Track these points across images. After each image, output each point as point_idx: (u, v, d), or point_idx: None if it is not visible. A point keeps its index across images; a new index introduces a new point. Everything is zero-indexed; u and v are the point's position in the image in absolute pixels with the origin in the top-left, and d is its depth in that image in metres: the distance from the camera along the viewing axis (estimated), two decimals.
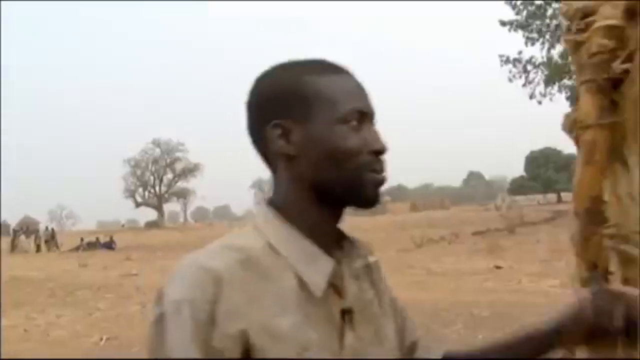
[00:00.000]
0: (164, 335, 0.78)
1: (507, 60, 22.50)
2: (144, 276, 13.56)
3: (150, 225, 60.28)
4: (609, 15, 1.06)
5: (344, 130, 0.88)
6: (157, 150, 62.64)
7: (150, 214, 64.45)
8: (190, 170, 62.77)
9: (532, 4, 21.06)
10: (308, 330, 0.81)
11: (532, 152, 59.53)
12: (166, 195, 63.68)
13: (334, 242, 0.91)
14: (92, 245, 30.92)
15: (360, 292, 0.90)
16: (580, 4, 1.12)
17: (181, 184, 64.36)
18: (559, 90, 22.20)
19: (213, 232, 37.03)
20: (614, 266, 1.09)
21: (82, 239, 31.83)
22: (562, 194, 51.36)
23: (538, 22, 21.16)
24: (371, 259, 0.94)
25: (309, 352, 0.81)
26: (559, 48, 20.64)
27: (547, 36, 21.23)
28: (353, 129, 0.88)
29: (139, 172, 62.27)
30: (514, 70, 22.59)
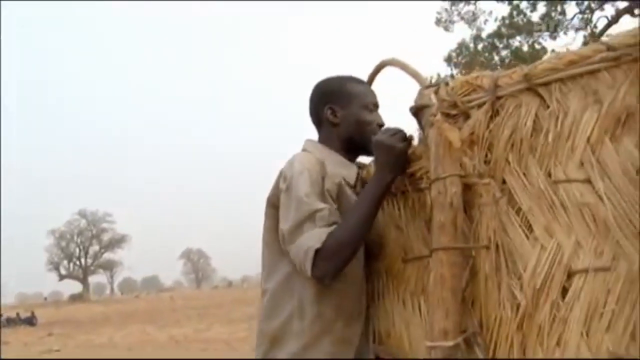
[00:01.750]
0: (296, 187, 1.54)
1: None
2: (66, 352, 14.01)
3: (75, 298, 58.64)
4: None
5: (366, 112, 1.76)
6: (83, 221, 61.92)
7: (75, 286, 62.80)
8: (117, 242, 62.06)
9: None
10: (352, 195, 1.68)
11: None
12: (92, 267, 62.42)
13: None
14: (12, 321, 30.50)
15: None
16: None
17: (108, 255, 63.38)
18: None
19: (138, 306, 37.11)
20: None
21: (0, 315, 31.34)
22: None
23: None
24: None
25: None
26: None
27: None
28: (370, 112, 1.77)
29: (63, 244, 61.03)
30: None
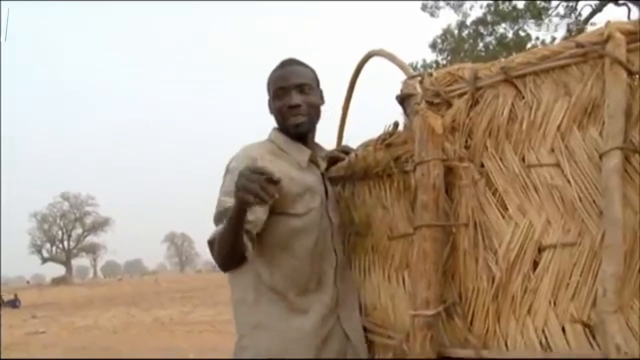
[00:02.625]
0: (222, 183, 1.72)
1: None
2: (51, 334, 14.08)
3: (58, 281, 58.39)
4: None
5: (275, 100, 1.82)
6: (66, 204, 61.50)
7: (58, 270, 62.55)
8: (101, 225, 61.76)
9: (430, 67, 23.64)
10: (306, 178, 1.78)
11: None
12: (75, 251, 62.15)
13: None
14: None
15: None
16: None
17: (91, 238, 63.09)
18: None
19: (121, 289, 37.11)
20: None
21: None
22: None
23: None
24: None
25: (310, 189, 1.77)
26: None
27: None
28: (278, 97, 1.81)
29: (46, 227, 60.63)
30: None
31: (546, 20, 20.01)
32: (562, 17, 19.68)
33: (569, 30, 19.58)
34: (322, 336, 1.77)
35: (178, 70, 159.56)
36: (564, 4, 19.68)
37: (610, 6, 19.06)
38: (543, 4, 19.90)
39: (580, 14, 19.63)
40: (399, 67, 1.87)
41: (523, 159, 1.50)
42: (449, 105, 1.64)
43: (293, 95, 1.79)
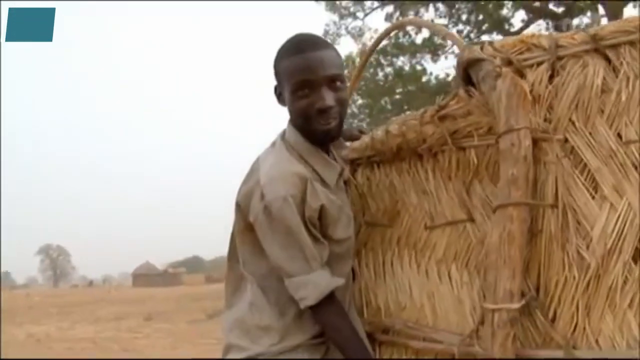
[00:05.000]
0: (279, 214, 1.34)
1: None
2: None
3: None
4: None
5: (295, 98, 1.40)
6: None
7: None
8: None
9: None
10: (338, 197, 1.49)
11: None
12: None
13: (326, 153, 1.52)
14: None
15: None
16: None
17: None
18: None
19: None
20: None
21: None
22: None
23: None
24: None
25: (344, 211, 1.49)
26: None
27: None
28: (302, 95, 1.39)
29: None
30: None
31: (442, 57, 21.07)
32: (457, 55, 20.77)
33: None
34: None
35: None
36: None
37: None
38: (440, 41, 20.93)
39: None
40: (444, 35, 1.68)
41: (619, 136, 1.34)
42: (521, 75, 1.46)
43: (324, 94, 1.40)
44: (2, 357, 9.25)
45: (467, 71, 1.52)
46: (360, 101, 21.73)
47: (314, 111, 1.41)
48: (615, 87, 1.36)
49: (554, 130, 1.39)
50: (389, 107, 21.15)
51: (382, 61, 20.79)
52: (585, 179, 1.35)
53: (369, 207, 1.78)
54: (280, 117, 1.62)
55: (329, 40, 2.32)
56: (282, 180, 1.38)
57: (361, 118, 22.03)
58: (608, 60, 1.39)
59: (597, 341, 1.28)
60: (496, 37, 19.75)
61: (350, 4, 19.52)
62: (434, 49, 20.30)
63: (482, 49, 1.53)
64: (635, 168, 1.31)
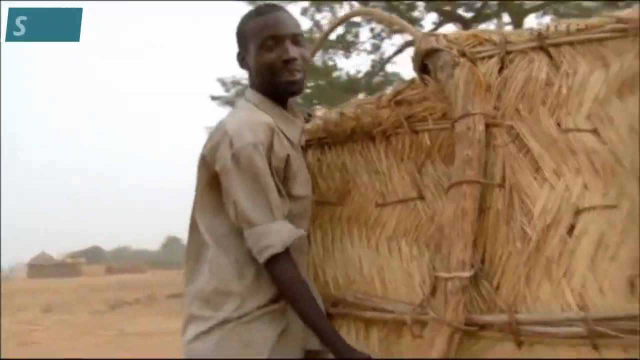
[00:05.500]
0: (247, 160, 1.43)
1: None
2: None
3: None
4: None
5: (263, 52, 1.54)
6: None
7: None
8: None
9: (239, 84, 23.40)
10: (298, 158, 1.58)
11: None
12: None
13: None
14: None
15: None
16: None
17: None
18: None
19: None
20: None
21: None
22: None
23: None
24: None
25: (304, 168, 1.61)
26: None
27: None
28: (268, 49, 1.53)
29: None
30: None
31: (354, 54, 21.45)
32: (369, 52, 21.26)
33: (372, 66, 21.25)
34: None
35: None
36: (371, 41, 21.21)
37: (411, 49, 21.02)
38: (352, 38, 21.29)
39: (383, 52, 21.31)
40: (399, 26, 1.79)
41: (559, 124, 1.50)
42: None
43: (289, 47, 1.54)
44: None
45: (424, 60, 1.63)
46: None
47: (280, 63, 1.54)
48: (556, 82, 1.52)
49: (502, 117, 1.54)
50: (298, 100, 21.25)
51: None
52: (529, 162, 1.50)
53: (319, 186, 1.86)
54: None
55: None
56: (251, 129, 1.47)
57: None
58: (551, 57, 1.55)
59: (535, 306, 1.43)
60: (408, 37, 20.36)
61: None
62: (347, 45, 20.64)
63: (437, 41, 1.65)
64: (573, 154, 1.47)
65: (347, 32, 20.52)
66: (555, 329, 1.37)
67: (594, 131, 1.47)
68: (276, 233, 1.46)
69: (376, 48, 20.81)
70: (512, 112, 1.54)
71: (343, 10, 20.42)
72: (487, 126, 1.51)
